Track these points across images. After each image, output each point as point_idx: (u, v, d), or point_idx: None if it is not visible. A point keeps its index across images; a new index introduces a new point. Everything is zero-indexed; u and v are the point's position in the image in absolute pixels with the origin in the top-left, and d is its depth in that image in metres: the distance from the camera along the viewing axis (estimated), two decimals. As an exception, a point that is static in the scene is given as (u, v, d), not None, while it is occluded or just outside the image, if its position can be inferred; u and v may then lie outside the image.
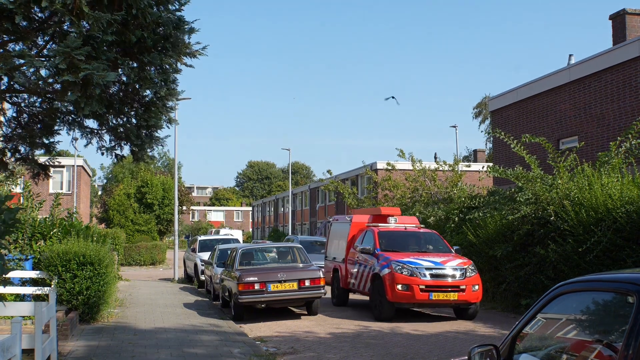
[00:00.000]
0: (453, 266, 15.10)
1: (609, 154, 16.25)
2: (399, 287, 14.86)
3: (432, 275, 14.87)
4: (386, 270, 15.28)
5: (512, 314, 16.25)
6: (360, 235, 17.88)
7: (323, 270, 17.36)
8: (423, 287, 14.70)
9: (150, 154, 11.51)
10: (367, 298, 17.47)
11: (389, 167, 30.62)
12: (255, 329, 14.69)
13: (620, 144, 16.71)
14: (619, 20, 23.05)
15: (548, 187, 16.20)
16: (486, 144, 69.39)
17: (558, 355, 4.38)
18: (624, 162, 16.10)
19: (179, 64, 10.15)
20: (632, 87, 19.87)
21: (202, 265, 24.78)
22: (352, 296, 19.31)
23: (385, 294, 15.11)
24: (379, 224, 17.80)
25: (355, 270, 17.38)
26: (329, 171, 36.31)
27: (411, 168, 28.70)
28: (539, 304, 4.26)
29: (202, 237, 31.04)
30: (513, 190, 18.09)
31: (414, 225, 18.17)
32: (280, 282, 15.53)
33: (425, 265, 15.06)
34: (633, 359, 3.25)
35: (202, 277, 24.90)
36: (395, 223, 17.93)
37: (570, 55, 26.65)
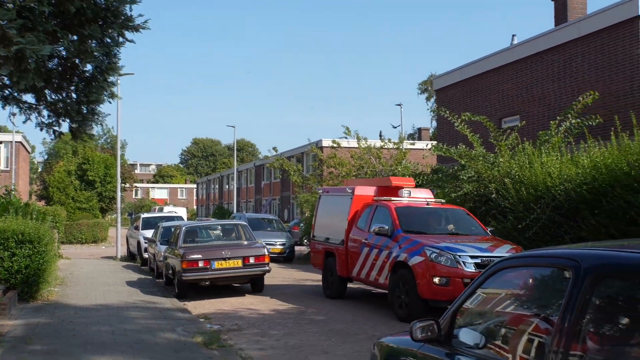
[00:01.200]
0: (503, 254, 11.52)
1: (549, 133, 16.57)
2: (437, 280, 11.73)
3: (477, 265, 11.61)
4: (417, 259, 12.16)
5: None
6: (365, 212, 14.79)
7: (268, 249, 17.28)
8: (468, 280, 11.11)
9: (90, 130, 11.27)
10: (378, 291, 15.42)
11: (335, 145, 30.66)
12: (199, 307, 14.61)
13: (560, 123, 17.05)
14: (560, 1, 23.42)
15: (490, 166, 16.45)
16: (431, 122, 70.17)
17: (497, 329, 4.46)
18: (563, 141, 16.44)
19: (120, 38, 9.93)
20: (573, 68, 20.27)
21: (146, 243, 24.49)
22: (351, 285, 16.45)
23: (416, 288, 12.03)
24: (391, 198, 14.59)
25: (364, 256, 14.07)
26: (274, 148, 36.08)
27: (357, 146, 28.79)
28: (478, 279, 4.33)
29: (146, 215, 30.67)
30: (456, 168, 18.32)
31: (434, 200, 15.10)
32: (224, 259, 15.47)
33: (469, 252, 11.91)
34: (568, 332, 3.33)
35: (145, 255, 24.62)
36: (409, 197, 14.77)
37: (513, 36, 27.03)
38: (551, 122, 17.20)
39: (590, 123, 16.37)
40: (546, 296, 4.37)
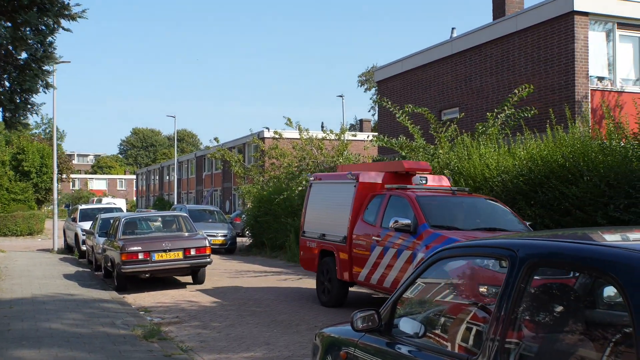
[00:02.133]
0: None
1: (486, 124, 16.88)
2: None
3: None
4: None
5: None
6: (373, 203, 12.35)
7: (209, 240, 17.12)
8: None
9: (25, 120, 10.97)
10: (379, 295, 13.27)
11: (276, 136, 30.58)
12: (139, 299, 14.43)
13: (497, 115, 17.38)
14: (498, -5, 23.83)
15: (430, 157, 16.67)
16: (370, 112, 70.61)
17: (436, 318, 4.53)
18: (500, 132, 16.77)
19: (56, 26, 9.70)
20: (510, 62, 20.67)
21: (84, 235, 24.02)
22: (352, 289, 14.03)
23: None
24: (407, 186, 12.19)
25: (376, 256, 11.70)
26: (215, 139, 35.96)
27: (298, 137, 28.78)
28: (418, 269, 4.38)
29: (83, 206, 30.07)
30: (397, 159, 18.49)
31: (457, 188, 12.54)
32: (165, 251, 15.29)
33: None
34: (505, 320, 3.40)
35: (84, 248, 24.16)
36: (425, 185, 12.43)
37: (453, 29, 27.43)
38: (488, 114, 17.51)
39: (527, 115, 16.73)
40: (484, 285, 4.46)
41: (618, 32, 19.03)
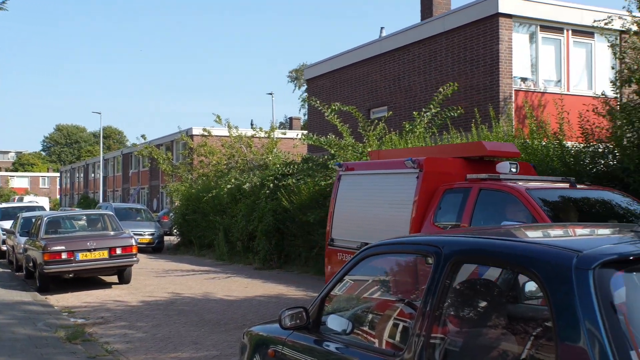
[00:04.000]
0: None
1: (413, 123, 17.10)
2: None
3: None
4: None
5: (324, 277, 16.76)
6: (447, 199, 9.22)
7: (137, 239, 16.80)
8: None
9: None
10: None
11: (205, 133, 30.31)
12: (63, 300, 14.05)
13: (424, 114, 17.62)
14: (426, -4, 24.20)
15: (359, 155, 16.77)
16: (300, 111, 70.71)
17: (364, 314, 4.56)
18: (427, 131, 17.02)
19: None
20: (437, 61, 21.01)
21: (4, 234, 23.23)
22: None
23: None
24: (499, 176, 8.98)
25: None
26: (143, 136, 35.38)
27: (227, 134, 28.59)
28: (346, 266, 4.39)
29: (4, 205, 29.16)
30: (326, 157, 18.55)
31: (569, 180, 9.22)
32: (89, 250, 14.94)
33: None
34: (430, 316, 3.44)
35: (4, 248, 23.36)
36: (516, 173, 9.17)
37: (382, 28, 27.72)
38: (414, 112, 17.76)
39: (453, 114, 17.03)
40: (410, 282, 4.51)
41: (541, 35, 19.58)
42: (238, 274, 18.34)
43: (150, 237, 26.49)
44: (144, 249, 25.38)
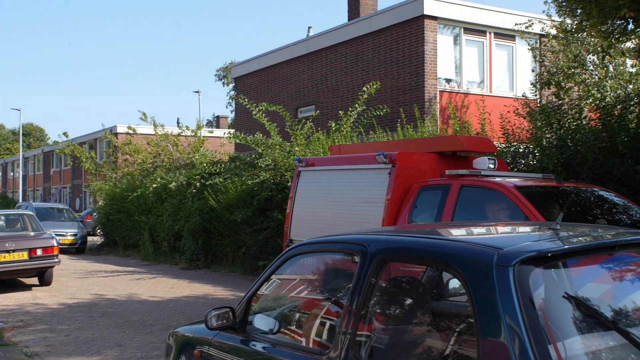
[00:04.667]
0: None
1: (339, 122, 17.22)
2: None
3: None
4: None
5: (251, 276, 16.71)
6: (423, 197, 8.55)
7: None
8: None
9: None
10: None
11: (130, 131, 29.79)
12: (-21, 303, 13.55)
13: (350, 113, 17.76)
14: (353, -3, 24.39)
15: (286, 154, 16.78)
16: (227, 109, 70.22)
17: (291, 313, 4.56)
18: (354, 130, 17.17)
19: None
20: (364, 61, 21.21)
21: None
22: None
23: None
24: (480, 171, 8.42)
25: None
26: (65, 134, 34.30)
27: (153, 133, 28.18)
28: (273, 265, 4.39)
29: None
30: (254, 156, 18.49)
31: (546, 176, 8.99)
32: (7, 251, 14.45)
33: None
34: (356, 314, 3.47)
35: None
36: (494, 169, 8.58)
37: (309, 28, 27.82)
38: (340, 112, 17.88)
39: (379, 114, 17.22)
40: (337, 280, 4.54)
41: (464, 37, 20.02)
42: (164, 274, 18.09)
43: (73, 237, 25.85)
44: (66, 250, 24.75)
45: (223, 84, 72.74)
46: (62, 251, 24.28)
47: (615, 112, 11.37)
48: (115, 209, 26.12)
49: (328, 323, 4.04)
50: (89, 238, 28.75)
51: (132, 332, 10.35)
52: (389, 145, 10.23)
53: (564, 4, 10.80)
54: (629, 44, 13.26)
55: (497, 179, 7.98)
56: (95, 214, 30.88)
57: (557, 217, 3.64)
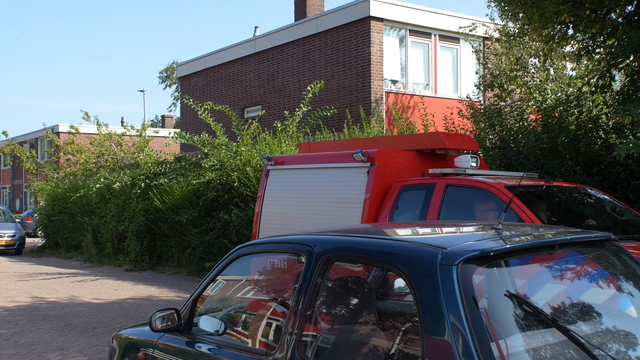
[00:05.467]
0: None
1: (285, 122, 17.21)
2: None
3: None
4: None
5: (197, 277, 16.58)
6: (405, 197, 8.15)
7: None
8: None
9: None
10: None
11: (73, 131, 29.23)
12: None
13: (296, 113, 17.77)
14: (300, -3, 24.42)
15: (232, 154, 16.70)
16: (172, 109, 69.41)
17: (237, 314, 4.54)
18: (300, 130, 17.18)
19: None
20: (311, 62, 21.24)
21: None
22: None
23: None
24: (465, 170, 8.01)
25: None
26: (4, 133, 33.50)
27: (97, 132, 27.71)
28: (218, 266, 4.36)
29: None
30: (199, 156, 18.34)
31: (529, 174, 8.55)
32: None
33: None
34: (301, 314, 3.47)
35: None
36: (476, 168, 8.18)
37: (256, 27, 27.74)
38: (285, 112, 17.88)
39: (326, 114, 17.28)
40: (283, 281, 4.54)
41: (410, 39, 20.22)
42: (107, 276, 17.80)
43: (11, 238, 25.28)
44: (5, 252, 24.23)
45: (167, 84, 71.95)
46: (0, 253, 23.65)
47: (556, 115, 11.65)
48: (57, 210, 25.61)
49: (274, 324, 4.04)
50: (30, 240, 28.14)
51: (74, 335, 10.15)
52: (365, 143, 9.80)
53: (506, 8, 10.99)
54: (568, 48, 13.59)
55: (486, 179, 7.60)
56: (36, 215, 30.20)
57: (500, 217, 3.70)
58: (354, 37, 19.66)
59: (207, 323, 4.26)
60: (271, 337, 4.02)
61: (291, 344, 3.44)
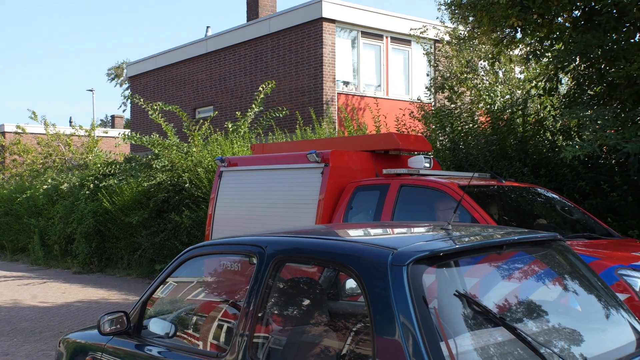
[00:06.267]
0: None
1: (237, 123, 17.14)
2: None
3: None
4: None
5: (147, 279, 16.39)
6: (359, 198, 8.19)
7: None
8: None
9: None
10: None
11: (19, 131, 28.62)
12: None
13: (248, 114, 17.70)
14: (252, -3, 24.33)
15: (184, 155, 16.55)
16: (122, 109, 68.52)
17: (188, 317, 4.50)
18: (252, 131, 17.11)
19: None
20: (263, 63, 21.18)
21: None
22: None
23: None
24: (419, 170, 8.11)
25: None
26: (-53, 133, 32.65)
27: (44, 132, 27.18)
28: (169, 268, 4.32)
29: None
30: (150, 157, 18.13)
31: (482, 175, 8.70)
32: None
33: None
34: (253, 315, 3.46)
35: None
36: (430, 168, 8.23)
37: (207, 27, 27.53)
38: (237, 112, 17.81)
39: (278, 115, 17.26)
40: (234, 282, 4.52)
41: (362, 40, 20.32)
42: (55, 279, 17.46)
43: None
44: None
45: (116, 84, 70.95)
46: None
47: (505, 117, 11.85)
48: (2, 212, 25.04)
49: (225, 325, 4.02)
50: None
51: (20, 339, 9.94)
52: (319, 144, 9.76)
53: (456, 11, 11.12)
54: (517, 51, 13.82)
55: (440, 179, 7.67)
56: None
57: (450, 217, 3.74)
58: (306, 38, 19.67)
59: (157, 326, 4.21)
60: (222, 339, 4.00)
61: (242, 345, 3.43)
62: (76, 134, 27.52)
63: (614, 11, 9.13)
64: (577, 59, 9.79)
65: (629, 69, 8.48)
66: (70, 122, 46.36)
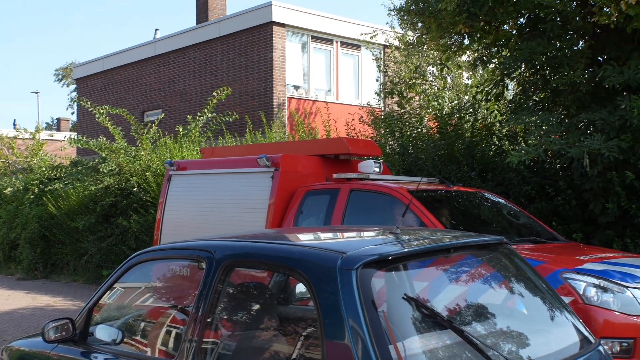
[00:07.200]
0: None
1: (187, 127, 17.00)
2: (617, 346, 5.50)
3: None
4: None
5: (94, 285, 16.10)
6: (309, 203, 8.21)
7: None
8: None
9: None
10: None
11: (-40, 133, 27.89)
12: None
13: (198, 118, 17.58)
14: (201, 0, 24.17)
15: (132, 159, 16.34)
16: (68, 111, 67.29)
17: (136, 323, 4.44)
18: (202, 135, 17.00)
19: None
20: (213, 66, 21.06)
21: None
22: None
23: None
24: (369, 175, 8.20)
25: None
26: None
27: (-14, 135, 26.55)
28: (116, 273, 4.26)
29: None
30: (97, 160, 17.85)
31: (431, 179, 8.87)
32: None
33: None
34: (202, 321, 3.43)
35: None
36: (379, 173, 8.34)
37: (156, 30, 27.23)
38: (188, 116, 17.68)
39: (228, 119, 17.18)
40: (183, 287, 4.47)
41: (312, 45, 20.37)
42: (-2, 285, 17.05)
43: None
44: None
45: (63, 85, 69.69)
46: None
47: (452, 122, 12.02)
48: (-58, 217, 24.30)
49: (174, 331, 3.98)
50: None
51: (-39, 348, 9.66)
52: (270, 148, 9.79)
53: (405, 17, 11.23)
54: (465, 57, 14.04)
55: (388, 183, 7.75)
56: None
57: (398, 222, 3.78)
58: (257, 42, 19.63)
59: (103, 332, 4.14)
60: (171, 344, 3.96)
61: (191, 351, 3.40)
62: (20, 136, 26.94)
63: (558, 19, 9.34)
64: (523, 66, 9.99)
65: (573, 76, 8.70)
66: (14, 124, 45.37)
